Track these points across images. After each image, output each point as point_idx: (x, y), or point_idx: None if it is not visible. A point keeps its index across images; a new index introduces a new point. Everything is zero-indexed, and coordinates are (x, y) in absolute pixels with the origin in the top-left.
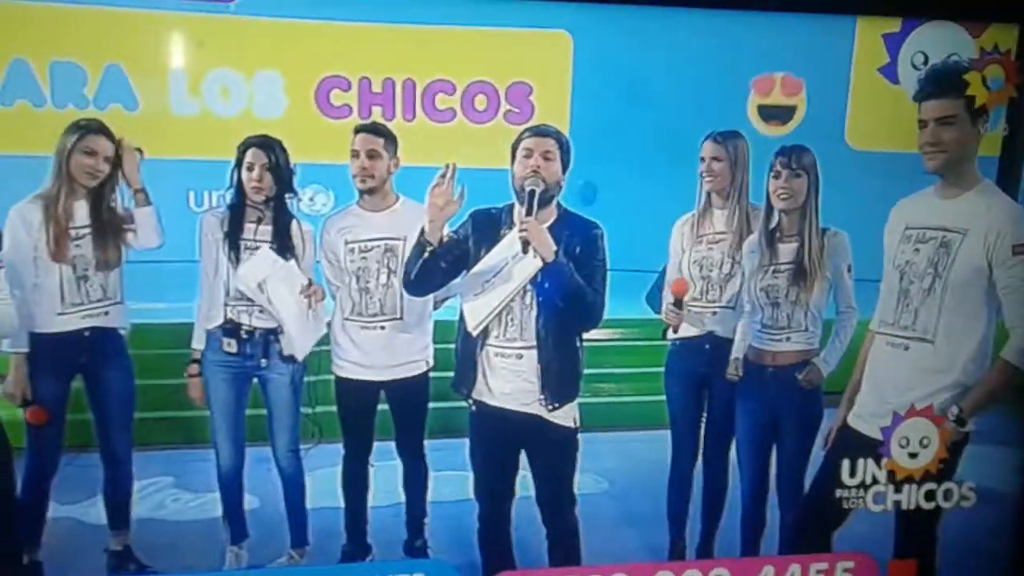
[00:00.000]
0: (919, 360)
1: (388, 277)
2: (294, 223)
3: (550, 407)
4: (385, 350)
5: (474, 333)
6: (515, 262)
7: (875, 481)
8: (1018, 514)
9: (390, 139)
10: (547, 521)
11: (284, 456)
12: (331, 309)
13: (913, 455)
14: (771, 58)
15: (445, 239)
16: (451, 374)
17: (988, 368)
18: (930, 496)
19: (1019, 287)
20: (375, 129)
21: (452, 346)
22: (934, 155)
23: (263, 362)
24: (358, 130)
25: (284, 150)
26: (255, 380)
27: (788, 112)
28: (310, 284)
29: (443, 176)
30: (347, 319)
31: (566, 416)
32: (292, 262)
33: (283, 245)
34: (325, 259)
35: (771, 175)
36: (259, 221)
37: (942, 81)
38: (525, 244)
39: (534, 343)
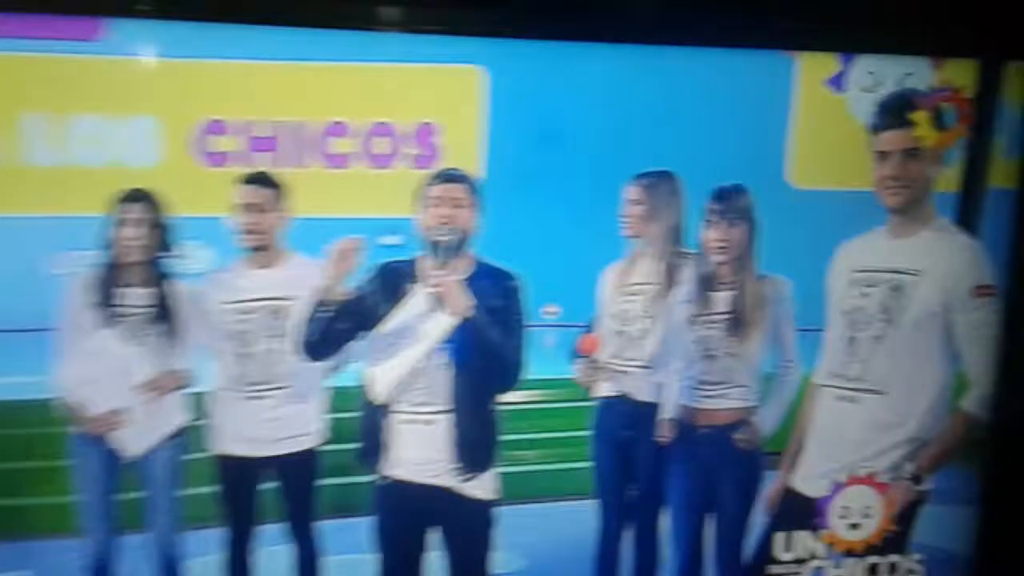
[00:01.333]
0: (871, 414)
1: (274, 342)
2: (172, 285)
3: (465, 479)
4: (270, 423)
5: (379, 400)
6: (425, 320)
7: (812, 556)
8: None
9: (279, 190)
10: None
11: (162, 543)
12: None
13: (854, 526)
14: (703, 92)
15: (345, 298)
16: (344, 446)
17: (946, 420)
18: (873, 571)
19: (980, 333)
20: (263, 180)
21: (343, 416)
22: (897, 190)
23: None
24: (244, 181)
25: (161, 204)
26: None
27: None
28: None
29: (348, 240)
30: (226, 389)
31: (484, 487)
32: (138, 349)
33: (163, 310)
34: (203, 321)
35: (704, 223)
36: (132, 285)
37: (905, 109)
38: (438, 301)
39: (445, 407)
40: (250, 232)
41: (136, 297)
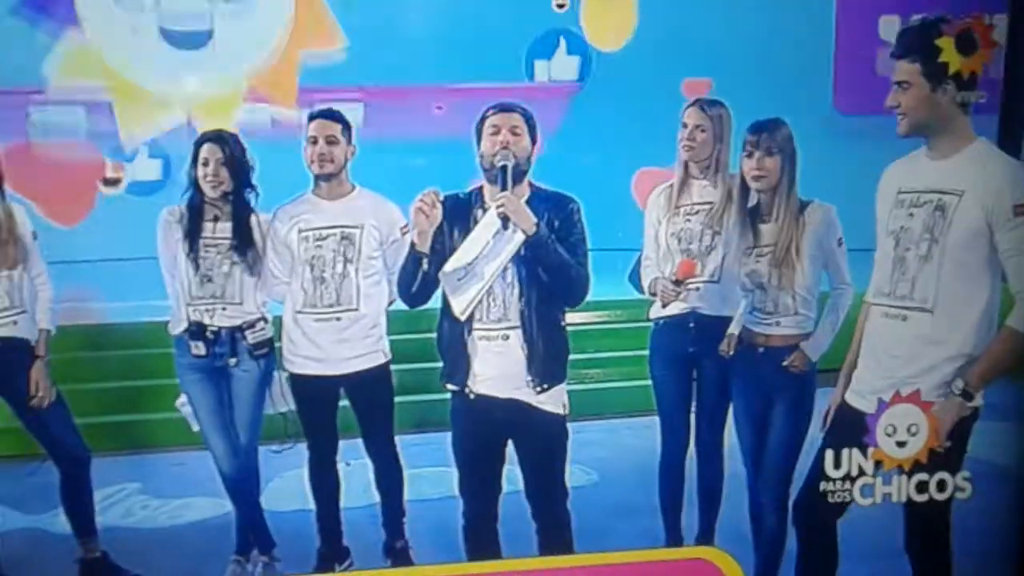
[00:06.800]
0: (918, 331)
1: (344, 266)
2: (253, 218)
3: (538, 389)
4: (341, 343)
5: (462, 317)
6: (496, 240)
7: (862, 472)
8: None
9: (346, 125)
10: (537, 515)
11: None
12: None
13: (901, 443)
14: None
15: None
16: (416, 366)
17: (993, 337)
18: (922, 488)
19: (1022, 250)
20: (331, 115)
21: (412, 337)
22: (899, 119)
23: (232, 361)
24: (314, 116)
25: (240, 143)
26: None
27: None
28: None
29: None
30: (299, 312)
31: (555, 402)
32: None
33: (244, 242)
34: (273, 250)
35: (744, 154)
36: (216, 219)
37: (904, 42)
38: (504, 220)
39: (518, 323)
40: (323, 161)
41: (221, 231)
